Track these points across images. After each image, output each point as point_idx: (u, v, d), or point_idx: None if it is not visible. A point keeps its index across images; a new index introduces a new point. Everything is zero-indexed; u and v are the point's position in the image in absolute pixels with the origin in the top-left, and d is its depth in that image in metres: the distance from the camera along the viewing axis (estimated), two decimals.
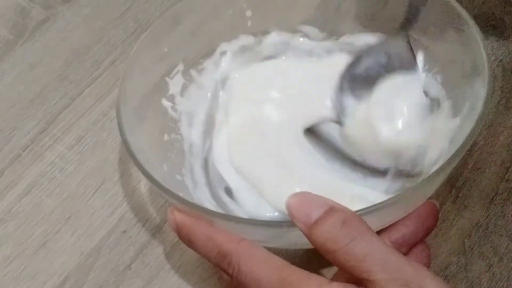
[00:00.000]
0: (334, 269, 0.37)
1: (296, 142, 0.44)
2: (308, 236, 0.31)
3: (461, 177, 0.43)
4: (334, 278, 0.31)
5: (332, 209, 0.30)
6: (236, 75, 0.46)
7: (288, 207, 0.31)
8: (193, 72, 0.45)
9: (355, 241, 0.29)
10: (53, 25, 0.56)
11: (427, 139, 0.40)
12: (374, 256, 0.29)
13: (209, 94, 0.46)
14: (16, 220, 0.45)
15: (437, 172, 0.33)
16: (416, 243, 0.36)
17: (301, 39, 0.47)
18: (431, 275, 0.30)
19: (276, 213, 0.40)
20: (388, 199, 0.32)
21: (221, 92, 0.46)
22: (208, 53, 0.46)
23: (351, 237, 0.29)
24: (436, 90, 0.42)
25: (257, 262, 0.32)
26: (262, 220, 0.32)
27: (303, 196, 0.31)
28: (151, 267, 0.42)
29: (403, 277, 0.29)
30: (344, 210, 0.31)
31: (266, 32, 0.47)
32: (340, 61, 0.45)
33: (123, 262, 0.42)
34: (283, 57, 0.47)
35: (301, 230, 0.31)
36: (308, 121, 0.44)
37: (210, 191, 0.42)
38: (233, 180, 0.42)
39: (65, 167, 0.47)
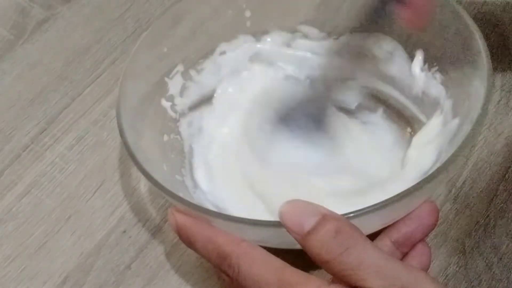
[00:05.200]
0: None
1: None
2: (302, 246, 0.31)
3: (461, 177, 0.43)
4: (334, 280, 0.31)
5: (325, 217, 0.30)
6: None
7: (281, 216, 0.31)
8: (192, 73, 0.45)
9: (349, 250, 0.29)
10: (53, 25, 0.56)
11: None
12: (369, 264, 0.29)
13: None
14: (16, 220, 0.45)
15: (437, 172, 0.33)
16: (417, 242, 0.36)
17: (300, 39, 0.47)
18: (429, 279, 0.30)
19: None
20: (388, 199, 0.32)
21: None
22: (208, 53, 0.46)
23: (345, 246, 0.29)
24: (436, 89, 0.42)
25: (256, 264, 0.32)
26: (262, 220, 0.32)
27: (295, 205, 0.31)
28: (151, 267, 0.42)
29: (399, 283, 0.29)
30: (336, 218, 0.30)
31: (265, 32, 0.47)
32: None
33: (123, 262, 0.42)
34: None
35: (295, 239, 0.31)
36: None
37: None
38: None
39: (65, 167, 0.47)
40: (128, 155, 0.36)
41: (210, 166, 0.44)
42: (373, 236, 0.35)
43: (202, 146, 0.44)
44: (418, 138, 0.42)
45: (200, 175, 0.43)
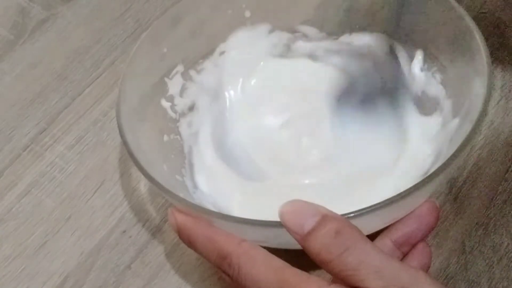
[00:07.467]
0: None
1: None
2: (302, 246, 0.31)
3: (461, 177, 0.43)
4: (334, 280, 0.31)
5: (325, 218, 0.30)
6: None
7: (281, 216, 0.31)
8: (192, 73, 0.45)
9: (349, 251, 0.29)
10: (53, 25, 0.56)
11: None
12: (368, 264, 0.29)
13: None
14: (16, 220, 0.45)
15: (437, 172, 0.33)
16: (417, 242, 0.36)
17: (300, 39, 0.47)
18: (429, 280, 0.30)
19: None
20: (388, 199, 0.32)
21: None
22: (208, 53, 0.46)
23: (345, 246, 0.29)
24: (436, 89, 0.42)
25: (257, 264, 0.32)
26: (261, 220, 0.32)
27: (296, 205, 0.31)
28: (151, 267, 0.42)
29: (398, 284, 0.29)
30: (336, 218, 0.30)
31: None
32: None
33: (123, 262, 0.43)
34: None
35: (295, 239, 0.31)
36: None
37: None
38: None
39: (65, 167, 0.47)
40: (128, 155, 0.36)
41: (209, 166, 0.44)
42: (373, 236, 0.35)
43: (200, 145, 0.44)
44: (418, 138, 0.42)
45: (199, 175, 0.43)
